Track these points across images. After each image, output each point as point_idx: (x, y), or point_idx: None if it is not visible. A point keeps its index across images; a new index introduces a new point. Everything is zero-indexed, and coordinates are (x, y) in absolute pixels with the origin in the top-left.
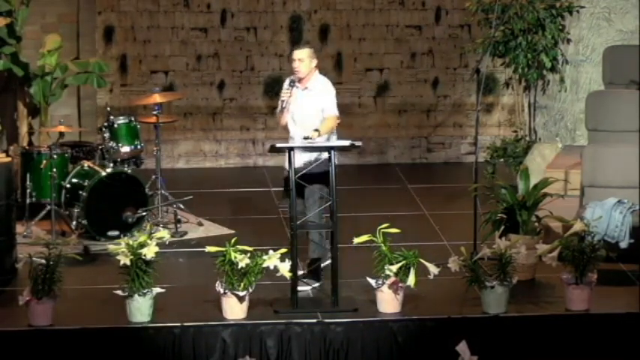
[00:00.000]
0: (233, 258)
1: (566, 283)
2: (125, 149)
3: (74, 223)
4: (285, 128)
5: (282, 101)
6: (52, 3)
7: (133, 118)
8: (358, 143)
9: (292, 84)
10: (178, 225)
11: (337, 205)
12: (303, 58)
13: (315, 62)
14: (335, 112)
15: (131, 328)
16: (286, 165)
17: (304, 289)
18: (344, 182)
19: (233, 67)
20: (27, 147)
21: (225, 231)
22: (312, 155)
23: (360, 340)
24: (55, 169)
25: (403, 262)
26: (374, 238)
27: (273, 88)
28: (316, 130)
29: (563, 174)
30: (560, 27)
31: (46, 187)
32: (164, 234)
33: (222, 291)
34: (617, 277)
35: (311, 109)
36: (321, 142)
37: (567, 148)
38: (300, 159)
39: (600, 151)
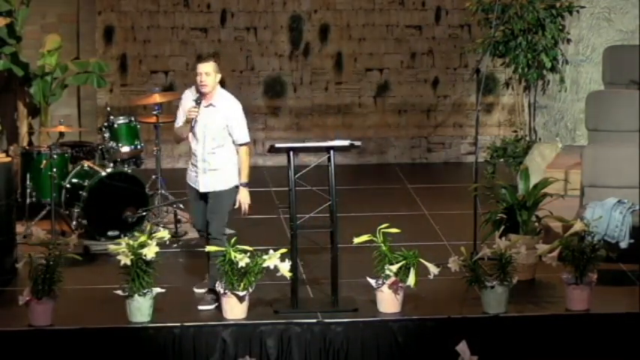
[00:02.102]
0: (233, 258)
1: (566, 283)
2: (125, 149)
3: (74, 223)
4: (178, 140)
5: (192, 120)
6: (52, 3)
7: (133, 118)
8: (357, 143)
9: (198, 101)
10: (178, 225)
11: (337, 205)
12: (210, 72)
13: (219, 77)
14: (247, 139)
15: (131, 328)
16: (191, 183)
17: (206, 308)
18: (344, 182)
19: (233, 67)
20: (27, 147)
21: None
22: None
23: (360, 340)
24: (55, 169)
25: (403, 262)
26: (374, 238)
27: (273, 88)
28: (244, 184)
29: (563, 174)
30: (560, 27)
31: (46, 187)
32: (164, 234)
33: (222, 291)
34: (617, 277)
35: (215, 127)
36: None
37: (567, 148)
38: (202, 181)
39: (600, 151)
